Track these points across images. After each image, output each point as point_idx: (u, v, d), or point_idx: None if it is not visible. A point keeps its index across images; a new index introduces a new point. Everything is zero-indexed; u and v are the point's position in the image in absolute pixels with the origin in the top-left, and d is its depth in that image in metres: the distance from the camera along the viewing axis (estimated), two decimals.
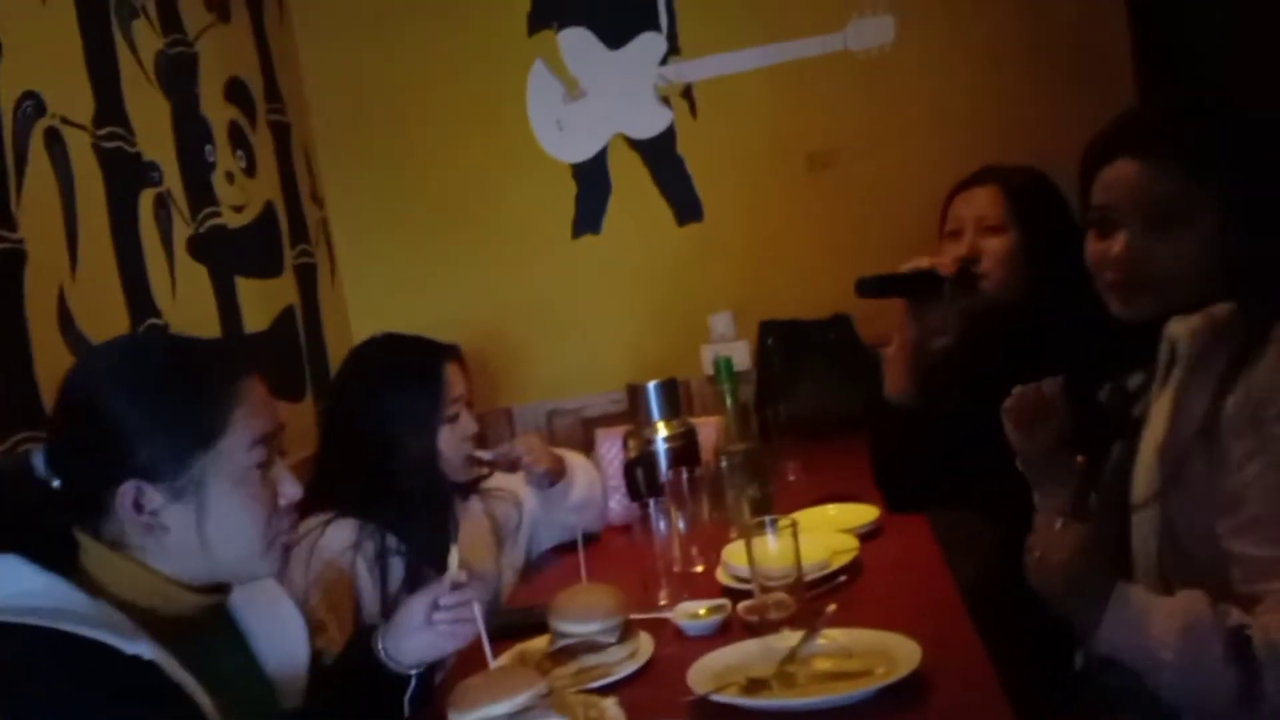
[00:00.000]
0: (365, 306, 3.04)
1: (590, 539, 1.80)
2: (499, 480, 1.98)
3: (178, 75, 2.33)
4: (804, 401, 2.73)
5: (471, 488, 1.92)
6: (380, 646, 1.27)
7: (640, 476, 1.95)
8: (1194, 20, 2.32)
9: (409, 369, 1.82)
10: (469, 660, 1.33)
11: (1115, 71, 2.64)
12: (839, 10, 2.78)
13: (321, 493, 1.74)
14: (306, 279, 2.85)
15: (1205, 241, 1.17)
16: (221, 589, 1.19)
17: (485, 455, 1.88)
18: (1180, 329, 1.19)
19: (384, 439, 1.74)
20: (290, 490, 1.17)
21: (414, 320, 2.95)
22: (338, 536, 1.69)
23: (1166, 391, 1.22)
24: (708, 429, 2.13)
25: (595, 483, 2.05)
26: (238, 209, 2.55)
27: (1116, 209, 1.23)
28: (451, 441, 1.79)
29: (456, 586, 1.26)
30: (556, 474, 1.96)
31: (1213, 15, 2.22)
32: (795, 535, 1.34)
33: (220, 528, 1.11)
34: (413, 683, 1.28)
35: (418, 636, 1.26)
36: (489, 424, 3.02)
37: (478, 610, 1.24)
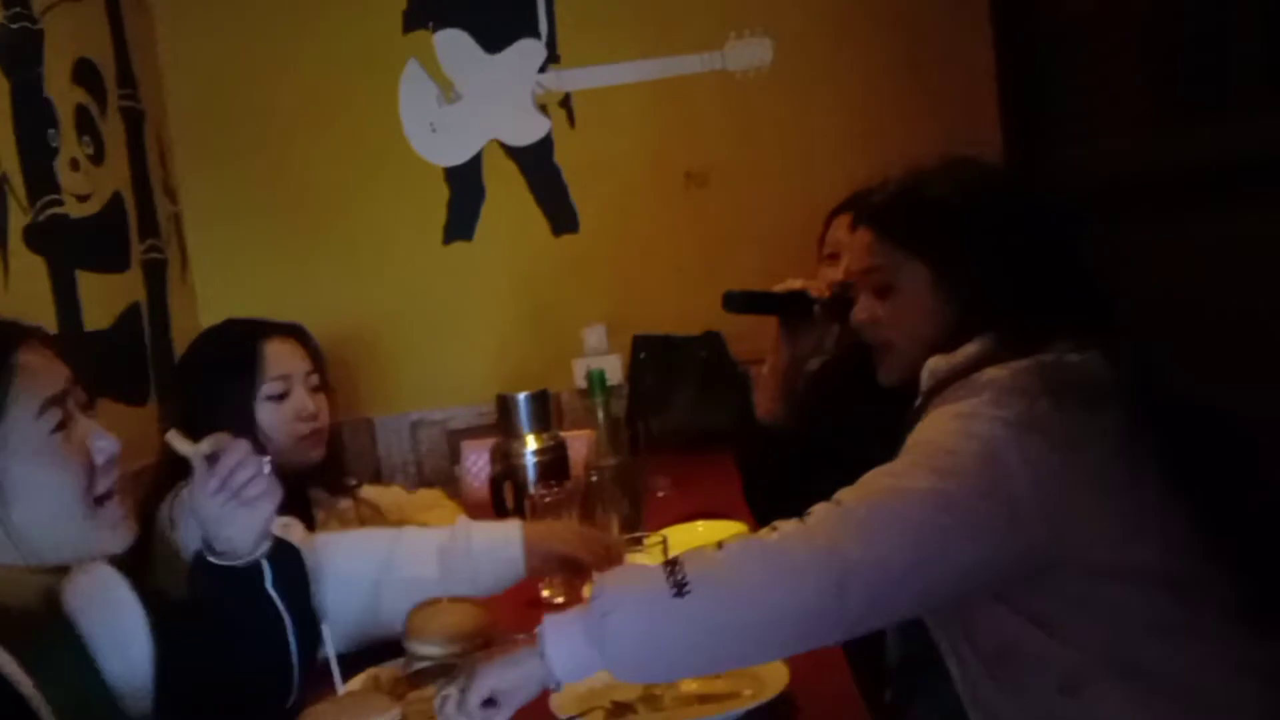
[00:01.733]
0: (217, 307, 2.87)
1: None
2: (374, 494, 1.89)
3: (19, 52, 2.16)
4: (675, 417, 2.73)
5: (337, 487, 1.82)
6: (208, 556, 1.22)
7: (506, 491, 1.90)
8: (1054, 51, 2.42)
9: (223, 346, 1.78)
10: (318, 684, 1.25)
11: (981, 101, 2.73)
12: (718, 29, 2.79)
13: (165, 488, 1.63)
14: (155, 275, 2.68)
15: (917, 303, 1.27)
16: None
17: None
18: (930, 364, 1.23)
19: (207, 422, 1.62)
20: (104, 445, 1.11)
21: None
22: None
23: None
24: (578, 443, 2.10)
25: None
26: (82, 198, 2.38)
27: (855, 276, 1.36)
28: (275, 421, 1.69)
29: (214, 459, 1.20)
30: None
31: (1072, 43, 2.32)
32: (665, 552, 1.31)
33: (34, 503, 1.05)
34: (266, 568, 1.22)
35: (218, 521, 1.21)
36: (350, 434, 2.91)
37: (255, 466, 1.20)
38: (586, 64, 2.82)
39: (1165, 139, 1.88)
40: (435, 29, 2.82)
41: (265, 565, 1.23)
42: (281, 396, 1.70)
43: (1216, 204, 1.68)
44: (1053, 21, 2.38)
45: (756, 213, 2.81)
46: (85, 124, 2.42)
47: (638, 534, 1.37)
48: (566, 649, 1.02)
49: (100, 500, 1.10)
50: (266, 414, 1.69)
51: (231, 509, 1.20)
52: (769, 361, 1.88)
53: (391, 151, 2.85)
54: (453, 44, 2.82)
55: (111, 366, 2.42)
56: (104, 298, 2.42)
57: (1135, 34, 1.98)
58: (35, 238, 2.13)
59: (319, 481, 1.79)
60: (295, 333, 1.79)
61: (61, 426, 1.08)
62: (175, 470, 1.61)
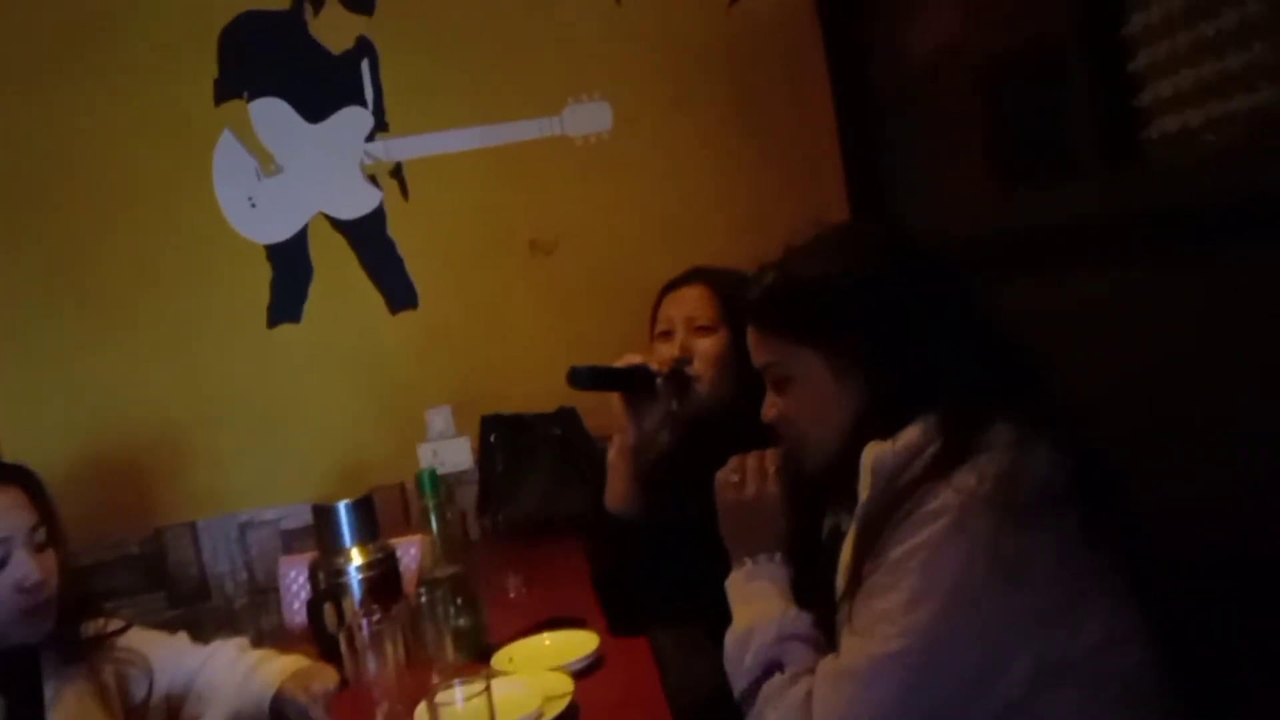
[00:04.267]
0: (19, 405, 2.57)
1: None
2: (130, 638, 1.59)
3: None
4: (528, 503, 2.55)
5: (78, 647, 1.47)
6: None
7: (328, 614, 1.68)
8: (896, 115, 2.39)
9: None
10: None
11: (826, 165, 2.68)
12: (556, 93, 2.67)
13: None
14: None
15: (818, 391, 1.21)
16: None
17: None
18: (867, 455, 1.15)
19: None
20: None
21: (72, 422, 2.59)
22: None
23: (856, 515, 1.16)
24: (411, 549, 1.89)
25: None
26: None
27: (760, 371, 1.30)
28: None
29: None
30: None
31: (913, 109, 2.29)
32: (490, 699, 1.14)
33: None
34: None
35: None
36: (169, 542, 2.63)
37: None
38: (418, 131, 2.66)
39: (1012, 202, 1.84)
40: (250, 98, 2.61)
41: None
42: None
43: (1060, 267, 1.64)
44: (888, 81, 2.35)
45: (604, 282, 2.68)
46: None
47: (456, 681, 1.17)
48: None
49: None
50: None
51: None
52: (616, 444, 1.79)
53: (207, 231, 2.61)
54: (270, 113, 2.61)
55: None
56: None
57: (977, 98, 1.95)
58: None
59: (51, 647, 1.45)
60: (19, 478, 1.44)
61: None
62: None
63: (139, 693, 1.52)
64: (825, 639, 1.21)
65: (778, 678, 1.17)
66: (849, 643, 1.09)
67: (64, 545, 1.45)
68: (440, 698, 1.14)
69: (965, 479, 1.06)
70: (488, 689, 1.13)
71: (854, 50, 2.52)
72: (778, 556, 1.30)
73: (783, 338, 1.24)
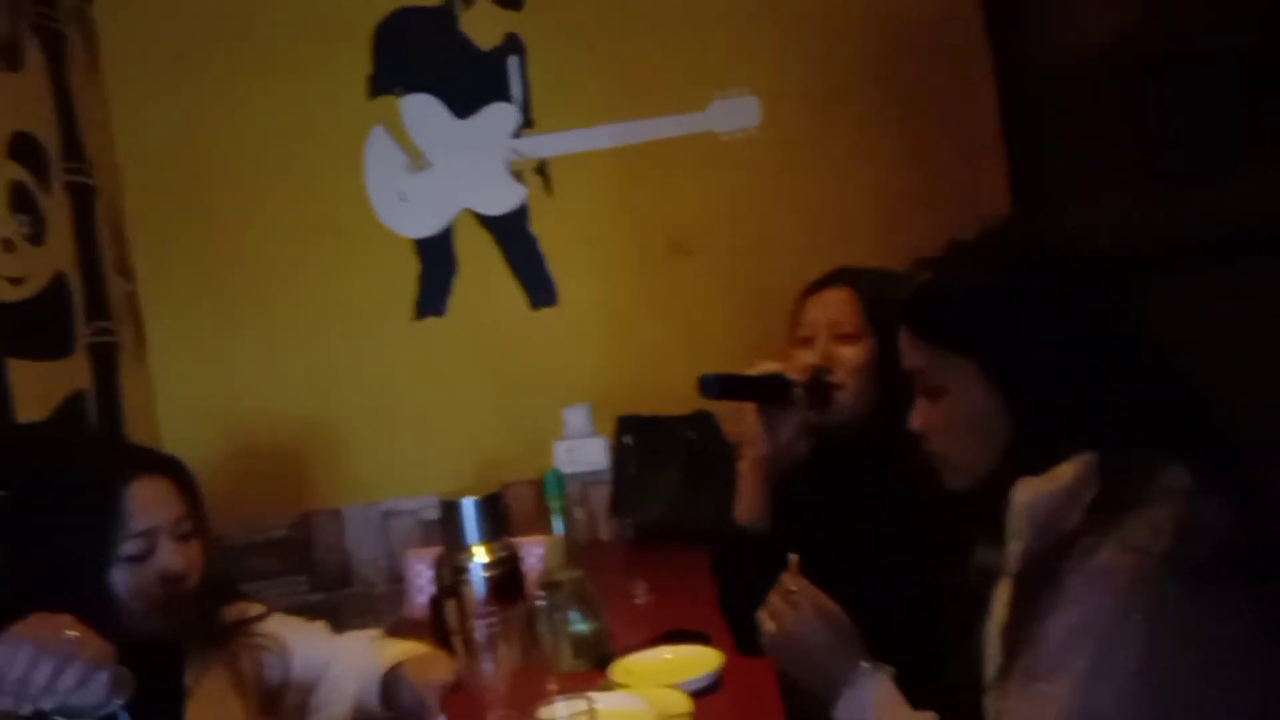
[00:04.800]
0: (176, 392, 2.71)
1: None
2: (268, 624, 1.61)
3: None
4: (660, 507, 2.50)
5: (218, 634, 1.50)
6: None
7: (450, 612, 1.67)
8: (1061, 107, 2.22)
9: (75, 494, 1.39)
10: None
11: (985, 160, 2.52)
12: (702, 89, 2.61)
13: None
14: (104, 359, 2.51)
15: (973, 408, 1.10)
16: None
17: None
18: (1023, 493, 1.03)
19: (55, 591, 1.36)
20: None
21: (232, 407, 2.70)
22: None
23: (1010, 564, 1.05)
24: (536, 550, 1.87)
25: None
26: (16, 281, 2.22)
27: (910, 375, 1.19)
28: (133, 585, 1.34)
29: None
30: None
31: (1078, 100, 2.12)
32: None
33: None
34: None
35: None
36: (318, 526, 2.71)
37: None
38: (563, 128, 2.65)
39: (1180, 199, 1.67)
40: (402, 94, 2.66)
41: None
42: (143, 556, 1.37)
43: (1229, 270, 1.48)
44: (1060, 77, 2.18)
45: (746, 282, 2.60)
46: (22, 201, 2.27)
47: (561, 702, 1.13)
48: None
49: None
50: (123, 577, 1.35)
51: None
52: (748, 456, 1.71)
53: (359, 224, 2.68)
54: (421, 109, 2.65)
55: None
56: (40, 386, 2.25)
57: (1145, 88, 1.78)
58: None
59: (190, 635, 1.44)
60: (169, 469, 1.43)
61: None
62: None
63: (274, 678, 1.54)
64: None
65: None
66: None
67: (208, 537, 1.46)
68: (543, 713, 1.09)
69: (1136, 532, 0.94)
70: (590, 711, 1.08)
71: (1019, 38, 2.35)
72: (864, 666, 1.22)
73: (939, 344, 1.14)
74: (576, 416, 2.68)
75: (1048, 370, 1.05)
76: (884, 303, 1.63)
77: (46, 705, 1.07)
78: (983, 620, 1.11)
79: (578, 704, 1.09)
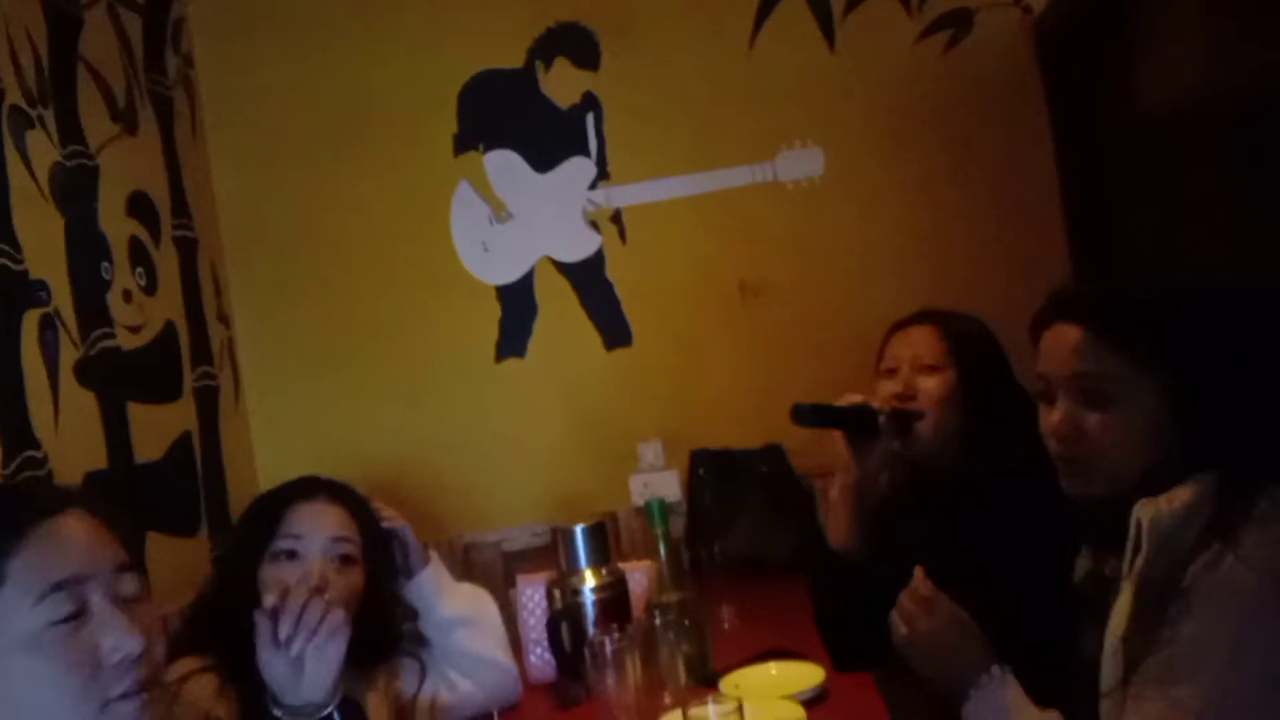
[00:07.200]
0: (271, 433, 2.85)
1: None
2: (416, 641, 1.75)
3: (75, 189, 2.18)
4: (738, 537, 2.62)
5: (375, 652, 1.66)
6: (275, 708, 1.19)
7: (565, 632, 1.79)
8: (1120, 160, 2.33)
9: (254, 503, 1.66)
10: None
11: (1045, 213, 2.66)
12: (769, 141, 2.77)
13: (196, 639, 1.52)
14: (207, 403, 2.66)
15: (1142, 421, 1.14)
16: None
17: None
18: (1145, 511, 1.11)
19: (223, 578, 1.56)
20: (121, 643, 0.96)
21: (323, 448, 2.83)
22: (199, 693, 1.47)
23: (1130, 577, 1.14)
24: (638, 574, 1.99)
25: (487, 620, 1.80)
26: (134, 329, 2.38)
27: (1053, 378, 1.21)
28: (272, 580, 1.51)
29: (277, 609, 1.20)
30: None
31: (1139, 152, 2.23)
32: (741, 716, 1.20)
33: (21, 700, 0.92)
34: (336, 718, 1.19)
35: (292, 672, 1.19)
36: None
37: (322, 611, 1.20)
38: (637, 179, 2.80)
39: (1243, 255, 1.77)
40: (486, 150, 2.82)
41: (336, 716, 1.19)
42: (290, 555, 1.53)
43: None
44: (1117, 128, 2.30)
45: (812, 324, 2.74)
46: (138, 255, 2.43)
47: (710, 699, 1.24)
48: None
49: (105, 704, 0.95)
50: (268, 572, 1.53)
51: (300, 663, 1.16)
52: (838, 482, 1.82)
53: (444, 273, 2.83)
54: (503, 164, 2.82)
55: (163, 498, 2.38)
56: (155, 428, 2.39)
57: (1206, 145, 1.89)
58: (86, 372, 2.12)
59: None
60: (341, 496, 1.63)
61: (68, 619, 0.94)
62: (223, 601, 1.53)
63: (409, 690, 1.66)
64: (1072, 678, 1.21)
65: None
66: None
67: (372, 569, 1.64)
68: (694, 713, 1.21)
69: (1255, 548, 1.02)
70: (739, 709, 1.20)
71: (1077, 94, 2.48)
72: (994, 668, 1.28)
73: (1130, 355, 1.14)
74: (650, 451, 2.79)
75: (1219, 396, 1.10)
76: (965, 337, 1.76)
77: (309, 671, 1.19)
78: (1091, 626, 1.22)
79: (727, 705, 1.20)
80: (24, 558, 0.94)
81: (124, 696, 0.96)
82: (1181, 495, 1.09)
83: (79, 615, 0.96)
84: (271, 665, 1.18)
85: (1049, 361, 1.21)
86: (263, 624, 1.19)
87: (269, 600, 1.21)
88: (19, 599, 0.93)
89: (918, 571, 1.40)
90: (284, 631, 1.18)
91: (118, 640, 0.96)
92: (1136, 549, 1.11)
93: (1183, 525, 1.07)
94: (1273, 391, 1.11)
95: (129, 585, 1.00)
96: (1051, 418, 1.21)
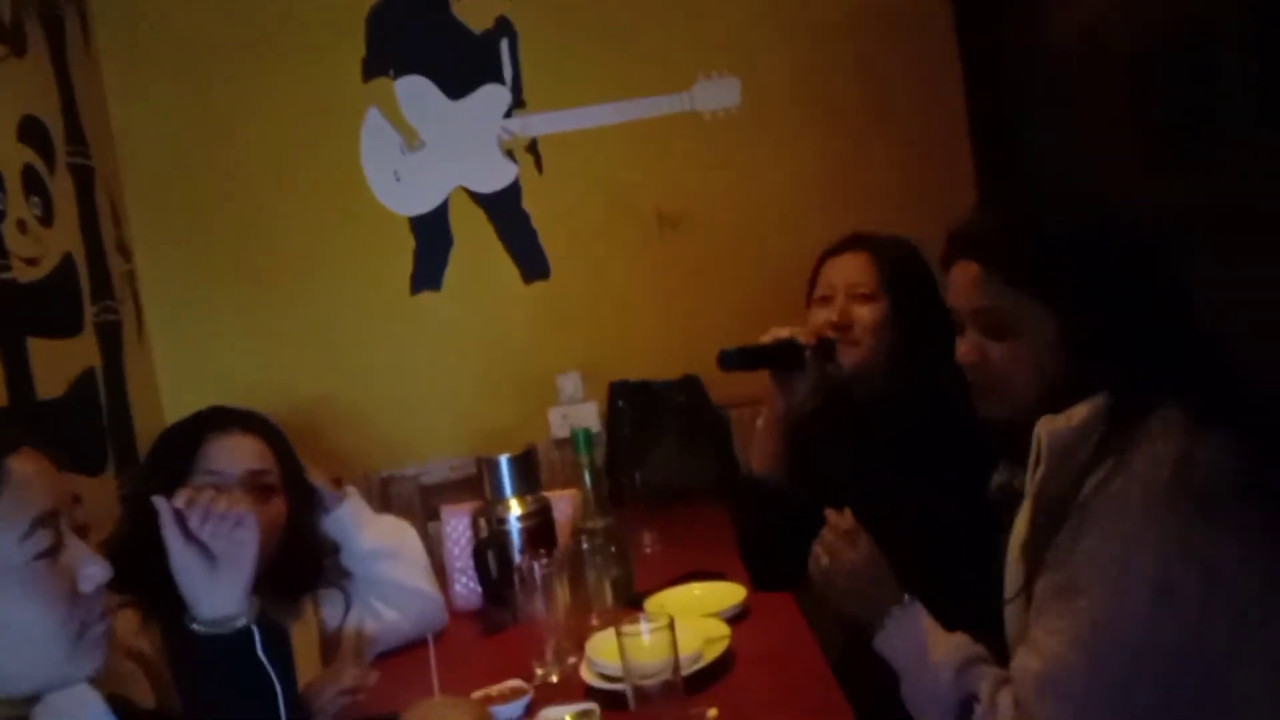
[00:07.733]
0: (177, 368, 2.77)
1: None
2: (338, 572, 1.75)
3: None
4: (657, 466, 2.66)
5: (299, 582, 1.67)
6: (192, 624, 1.16)
7: (491, 560, 1.81)
8: (1027, 89, 2.39)
9: (162, 443, 1.63)
10: None
11: (955, 143, 2.72)
12: (685, 70, 2.76)
13: (114, 576, 1.49)
14: (110, 338, 2.57)
15: (1041, 350, 1.20)
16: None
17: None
18: (1045, 427, 1.18)
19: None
20: (93, 572, 1.02)
21: (232, 384, 2.76)
22: (122, 628, 1.46)
23: (1031, 489, 1.20)
24: (562, 503, 2.01)
25: (409, 550, 1.83)
26: (31, 262, 2.27)
27: (959, 311, 1.28)
28: None
29: (189, 504, 1.18)
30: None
31: (1045, 80, 2.29)
32: (673, 635, 1.24)
33: (6, 634, 0.96)
34: (256, 633, 1.16)
35: (205, 569, 1.16)
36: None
37: (230, 503, 1.18)
38: (553, 108, 2.76)
39: (1152, 181, 1.84)
40: (396, 76, 2.75)
41: (255, 631, 1.16)
42: None
43: (1210, 250, 1.64)
44: (1024, 59, 2.35)
45: (731, 254, 2.77)
46: (33, 184, 2.32)
47: (642, 615, 1.28)
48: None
49: (82, 629, 1.00)
50: None
51: (214, 561, 1.15)
52: (764, 415, 1.84)
53: (354, 203, 2.76)
54: (414, 91, 2.75)
55: (67, 436, 2.31)
56: (56, 364, 2.30)
57: (1114, 73, 1.95)
58: None
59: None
60: (255, 427, 1.61)
61: (49, 553, 0.98)
62: (138, 536, 1.50)
63: (334, 621, 1.67)
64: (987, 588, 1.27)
65: (977, 709, 1.18)
66: (1046, 644, 1.11)
67: (293, 494, 1.63)
68: (627, 629, 1.24)
69: (1143, 465, 1.07)
70: (670, 625, 1.23)
71: (985, 22, 2.52)
72: (905, 598, 1.34)
73: (1026, 289, 1.19)
74: (569, 383, 2.81)
75: (1113, 324, 1.16)
76: (898, 264, 1.80)
77: (220, 574, 1.17)
78: (1001, 536, 1.28)
79: (659, 620, 1.23)
80: (7, 497, 0.97)
81: (96, 621, 1.02)
82: (1079, 412, 1.15)
83: (55, 549, 0.99)
84: (184, 564, 1.16)
85: (955, 296, 1.28)
86: (170, 519, 1.17)
87: (178, 500, 1.18)
88: (5, 539, 0.96)
89: (846, 511, 1.43)
90: (193, 521, 1.16)
91: (91, 568, 1.01)
92: (1038, 462, 1.18)
93: (1079, 440, 1.14)
94: (1163, 316, 1.17)
95: (81, 515, 1.05)
96: (961, 347, 1.28)
